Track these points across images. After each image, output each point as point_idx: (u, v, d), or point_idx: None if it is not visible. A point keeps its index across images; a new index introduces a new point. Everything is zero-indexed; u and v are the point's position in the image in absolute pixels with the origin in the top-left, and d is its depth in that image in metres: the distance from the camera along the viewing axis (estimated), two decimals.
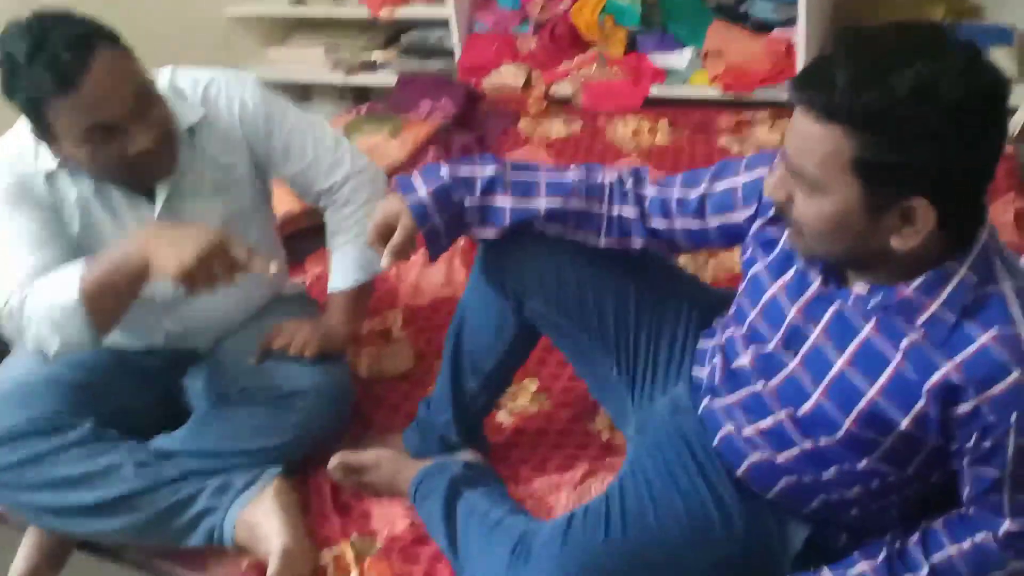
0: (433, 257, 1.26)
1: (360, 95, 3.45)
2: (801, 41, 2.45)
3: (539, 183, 1.23)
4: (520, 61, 2.83)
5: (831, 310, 1.05)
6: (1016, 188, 1.97)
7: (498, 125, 2.72)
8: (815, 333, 1.06)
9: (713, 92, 2.63)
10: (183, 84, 1.45)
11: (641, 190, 1.24)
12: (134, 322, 1.50)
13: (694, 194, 1.20)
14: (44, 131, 1.29)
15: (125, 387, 1.52)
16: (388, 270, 1.47)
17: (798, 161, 0.94)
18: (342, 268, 1.59)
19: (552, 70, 2.80)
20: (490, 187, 1.22)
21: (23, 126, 1.38)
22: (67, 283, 1.26)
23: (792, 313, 1.08)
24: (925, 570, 1.06)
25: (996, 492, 1.01)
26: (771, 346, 1.10)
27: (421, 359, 1.82)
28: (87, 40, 1.23)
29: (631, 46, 2.76)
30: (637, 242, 1.24)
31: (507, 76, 2.81)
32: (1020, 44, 2.45)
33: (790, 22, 2.62)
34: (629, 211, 1.23)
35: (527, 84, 2.80)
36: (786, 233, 1.06)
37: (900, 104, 0.86)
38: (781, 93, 2.55)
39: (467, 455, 1.47)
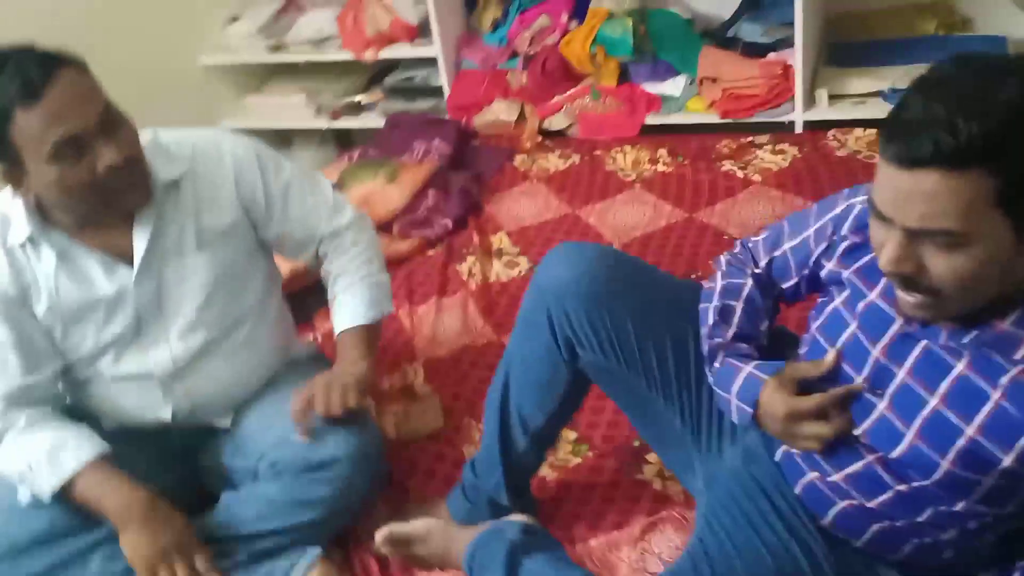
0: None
1: (342, 139, 3.40)
2: (799, 63, 2.44)
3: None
4: (512, 96, 2.79)
5: (918, 348, 1.00)
6: None
7: (494, 162, 2.67)
8: (902, 372, 1.01)
9: (711, 118, 2.61)
10: (167, 140, 1.41)
11: (759, 272, 1.24)
12: (135, 401, 1.44)
13: (779, 253, 1.21)
14: (10, 159, 1.24)
15: (145, 472, 1.42)
16: None
17: (932, 224, 0.87)
18: (351, 308, 1.53)
19: (545, 104, 2.76)
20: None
21: None
22: (45, 479, 1.30)
23: (875, 353, 1.04)
24: None
25: None
26: (857, 384, 1.05)
27: (449, 415, 1.74)
28: (53, 59, 1.23)
29: (624, 76, 2.73)
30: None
31: (499, 112, 2.76)
32: (1014, 52, 2.46)
33: (780, 44, 2.62)
34: (772, 297, 1.25)
35: (520, 119, 2.76)
36: (903, 304, 0.98)
37: (1022, 111, 0.83)
38: (780, 115, 2.54)
39: (519, 517, 1.40)
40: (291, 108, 3.19)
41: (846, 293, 1.09)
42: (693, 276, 1.99)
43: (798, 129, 2.54)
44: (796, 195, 2.23)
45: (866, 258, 1.06)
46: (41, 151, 1.21)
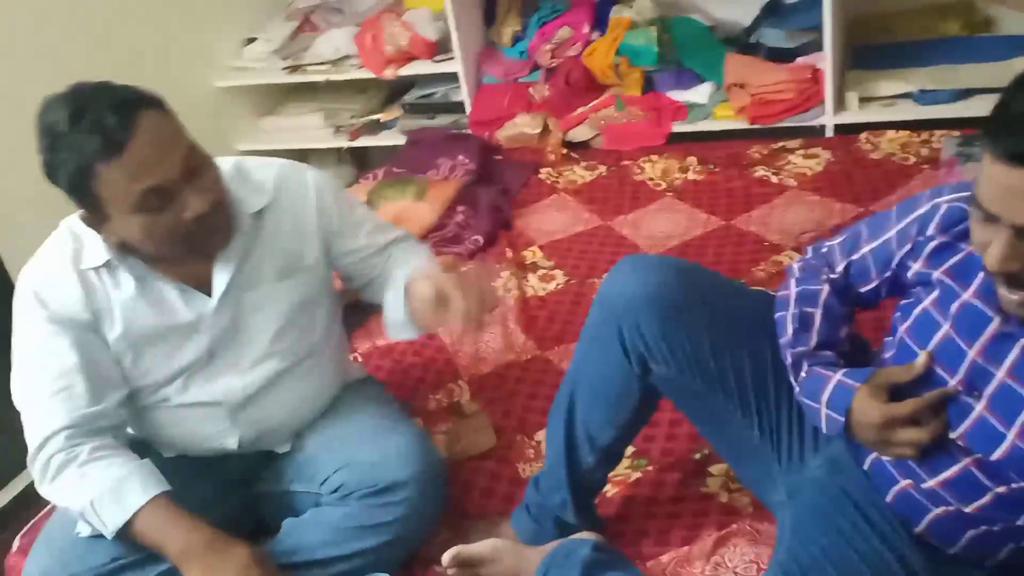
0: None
1: (359, 158, 3.38)
2: (828, 66, 2.42)
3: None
4: (534, 110, 2.77)
5: (1018, 348, 0.98)
6: None
7: (520, 176, 2.64)
8: (1000, 372, 0.99)
9: (739, 124, 2.59)
10: (249, 169, 1.39)
11: (835, 278, 1.21)
12: (201, 429, 1.41)
13: (857, 257, 1.19)
14: (93, 207, 1.21)
15: (205, 501, 1.38)
16: None
17: None
18: (417, 263, 1.46)
19: (568, 116, 2.74)
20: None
21: (59, 238, 1.32)
22: (109, 515, 1.26)
23: (972, 354, 1.01)
24: None
25: None
26: (950, 389, 1.03)
27: (500, 433, 1.71)
28: (129, 103, 1.18)
29: (648, 85, 2.71)
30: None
31: (523, 125, 2.74)
32: None
33: (804, 48, 2.61)
34: (847, 302, 1.22)
35: (544, 132, 2.74)
36: (1007, 302, 0.96)
37: None
38: (810, 120, 2.52)
39: (589, 535, 1.36)
40: (308, 128, 3.17)
41: (935, 294, 1.07)
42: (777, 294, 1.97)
43: (828, 133, 2.52)
44: (833, 198, 2.21)
45: (957, 257, 1.04)
46: (126, 203, 1.19)
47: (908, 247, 1.11)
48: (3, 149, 2.24)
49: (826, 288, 1.20)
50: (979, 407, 1.01)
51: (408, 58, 2.92)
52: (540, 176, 2.64)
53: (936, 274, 1.07)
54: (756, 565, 1.30)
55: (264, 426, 1.43)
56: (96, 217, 1.23)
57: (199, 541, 1.27)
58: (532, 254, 2.29)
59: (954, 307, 1.04)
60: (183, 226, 1.23)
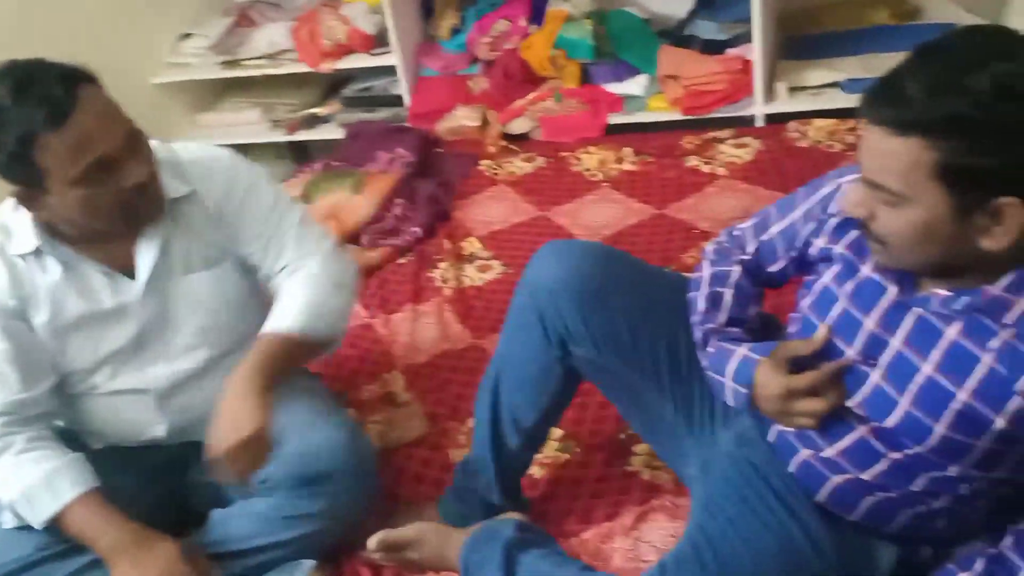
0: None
1: (299, 152, 3.36)
2: (757, 57, 2.47)
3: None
4: (473, 102, 2.79)
5: (910, 317, 1.02)
6: None
7: (459, 168, 2.66)
8: (895, 341, 1.03)
9: (673, 115, 2.63)
10: (176, 154, 1.39)
11: (746, 258, 1.24)
12: (128, 417, 1.41)
13: (766, 237, 1.22)
14: (32, 181, 1.21)
15: (134, 493, 1.38)
16: None
17: (879, 178, 0.93)
18: (290, 309, 1.37)
19: (507, 108, 2.76)
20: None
21: None
22: (41, 506, 1.27)
23: (868, 324, 1.05)
24: None
25: None
26: (848, 359, 1.07)
27: (432, 421, 1.73)
28: (71, 77, 1.19)
29: (585, 78, 2.75)
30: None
31: (462, 118, 2.76)
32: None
33: (737, 40, 2.66)
34: (758, 283, 1.26)
35: (483, 124, 2.75)
36: (871, 248, 1.03)
37: (980, 106, 0.86)
38: (741, 110, 2.58)
39: (513, 516, 1.38)
40: (246, 124, 3.14)
41: (836, 269, 1.11)
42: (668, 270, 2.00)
43: (759, 122, 2.57)
44: (762, 187, 2.26)
45: (855, 232, 1.08)
46: (69, 174, 1.19)
47: (813, 225, 1.15)
48: None
49: (737, 269, 1.24)
50: (875, 376, 1.05)
51: (346, 52, 2.91)
52: (480, 168, 2.66)
53: (837, 248, 1.11)
54: (674, 539, 1.34)
55: (192, 415, 1.43)
56: (32, 193, 1.23)
57: (128, 537, 1.28)
58: (470, 245, 2.31)
59: (852, 281, 1.08)
60: (124, 195, 1.24)
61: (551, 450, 1.59)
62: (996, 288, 0.95)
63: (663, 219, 2.25)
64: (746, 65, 2.54)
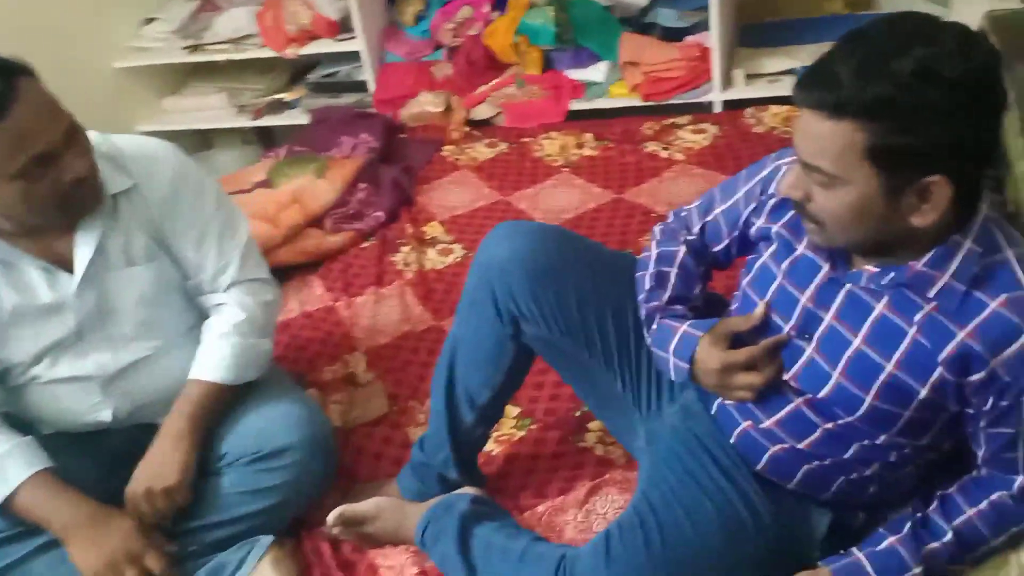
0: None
1: (265, 138, 3.36)
2: (715, 45, 2.52)
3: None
4: (437, 88, 2.81)
5: (842, 292, 1.07)
6: None
7: (423, 154, 2.68)
8: (828, 316, 1.08)
9: (633, 101, 2.67)
10: (121, 147, 1.39)
11: (692, 238, 1.28)
12: (73, 404, 1.42)
13: (711, 218, 1.26)
14: None
15: (88, 476, 1.40)
16: None
17: (813, 160, 0.97)
18: (217, 360, 1.41)
19: (470, 94, 2.79)
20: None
21: None
22: None
23: (803, 300, 1.10)
24: (949, 535, 1.09)
25: (1011, 450, 1.05)
26: (783, 335, 1.12)
27: (393, 400, 1.76)
28: (8, 71, 1.19)
29: (547, 64, 2.78)
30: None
31: (426, 104, 2.78)
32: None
33: (696, 27, 2.70)
34: (704, 263, 1.30)
35: (447, 110, 2.78)
36: (807, 228, 1.07)
37: (905, 88, 0.90)
38: (699, 96, 2.62)
39: (468, 490, 1.42)
40: (211, 109, 3.14)
41: (774, 247, 1.16)
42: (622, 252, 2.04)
43: (717, 109, 2.62)
44: (718, 171, 2.31)
45: (792, 213, 1.12)
46: (7, 168, 1.19)
47: (753, 206, 1.20)
48: None
49: (682, 249, 1.28)
50: (810, 349, 1.10)
51: (310, 37, 2.92)
52: (443, 153, 2.69)
53: (776, 228, 1.15)
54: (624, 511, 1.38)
55: (138, 399, 1.44)
56: None
57: (82, 514, 1.30)
58: (432, 229, 2.34)
59: (789, 259, 1.13)
60: (62, 189, 1.24)
61: (508, 427, 1.63)
62: (919, 264, 1.00)
63: (621, 203, 2.29)
64: (704, 52, 2.59)
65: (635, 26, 2.80)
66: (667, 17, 2.77)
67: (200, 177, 1.46)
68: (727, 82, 2.60)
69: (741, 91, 2.58)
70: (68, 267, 1.35)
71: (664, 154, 2.46)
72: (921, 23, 0.94)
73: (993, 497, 1.08)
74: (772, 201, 1.17)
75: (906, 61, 0.90)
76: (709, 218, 1.28)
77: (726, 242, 1.26)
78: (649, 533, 1.12)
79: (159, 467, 1.34)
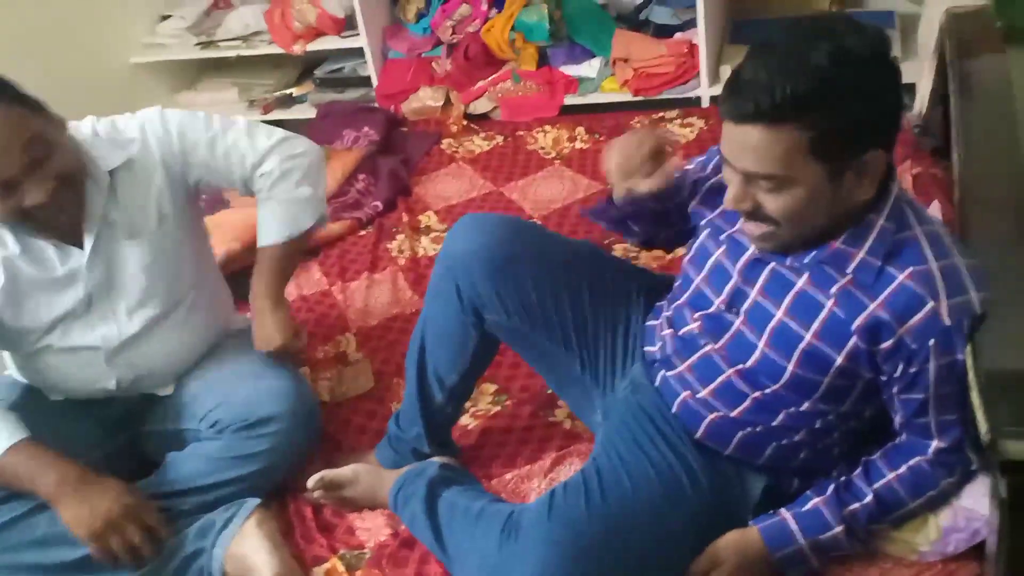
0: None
1: None
2: (702, 41, 2.60)
3: None
4: (437, 83, 2.91)
5: (766, 270, 1.16)
6: (912, 156, 2.13)
7: (422, 147, 2.78)
8: (754, 292, 1.17)
9: (624, 96, 2.76)
10: (116, 126, 1.50)
11: None
12: (81, 372, 1.53)
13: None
14: None
15: (92, 439, 1.53)
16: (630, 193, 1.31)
17: (758, 169, 1.03)
18: (265, 225, 1.59)
19: (469, 89, 2.88)
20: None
21: None
22: None
23: (734, 276, 1.19)
24: (869, 497, 1.18)
25: (923, 415, 1.13)
26: (714, 308, 1.21)
27: (379, 378, 1.86)
28: None
29: (543, 60, 2.87)
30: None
31: (426, 98, 2.88)
32: (902, 26, 2.65)
33: (688, 25, 2.78)
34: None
35: (446, 105, 2.88)
36: (750, 235, 1.14)
37: (827, 75, 0.98)
38: (688, 92, 2.70)
39: (439, 459, 1.52)
40: (223, 103, 3.26)
41: (708, 230, 1.25)
42: (606, 242, 2.13)
43: (704, 104, 2.70)
44: None
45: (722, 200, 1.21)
46: None
47: (698, 179, 1.29)
48: None
49: None
50: (737, 322, 1.19)
51: (316, 34, 3.03)
52: (442, 146, 2.78)
53: (710, 215, 1.24)
54: None
55: (140, 370, 1.56)
56: None
57: (71, 476, 1.37)
58: (427, 218, 2.44)
59: (721, 238, 1.22)
60: (23, 212, 1.34)
61: (485, 403, 1.73)
62: (837, 242, 1.09)
63: (608, 194, 2.37)
64: (692, 49, 2.66)
65: (630, 23, 2.89)
66: (661, 15, 2.85)
67: (185, 111, 1.56)
68: (715, 78, 2.68)
69: None
70: (79, 242, 1.46)
71: None
72: (814, 21, 1.05)
73: (911, 462, 1.17)
74: (708, 183, 1.26)
75: (820, 53, 0.98)
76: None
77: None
78: (591, 492, 1.21)
79: (266, 337, 1.56)
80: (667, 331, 1.29)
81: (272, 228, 1.58)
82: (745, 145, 1.02)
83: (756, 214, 1.09)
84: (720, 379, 1.21)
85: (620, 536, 1.16)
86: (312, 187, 1.61)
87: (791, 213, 1.06)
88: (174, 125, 1.52)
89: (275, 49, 3.09)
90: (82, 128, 1.46)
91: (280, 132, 1.61)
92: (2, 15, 2.67)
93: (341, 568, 1.42)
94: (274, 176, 1.56)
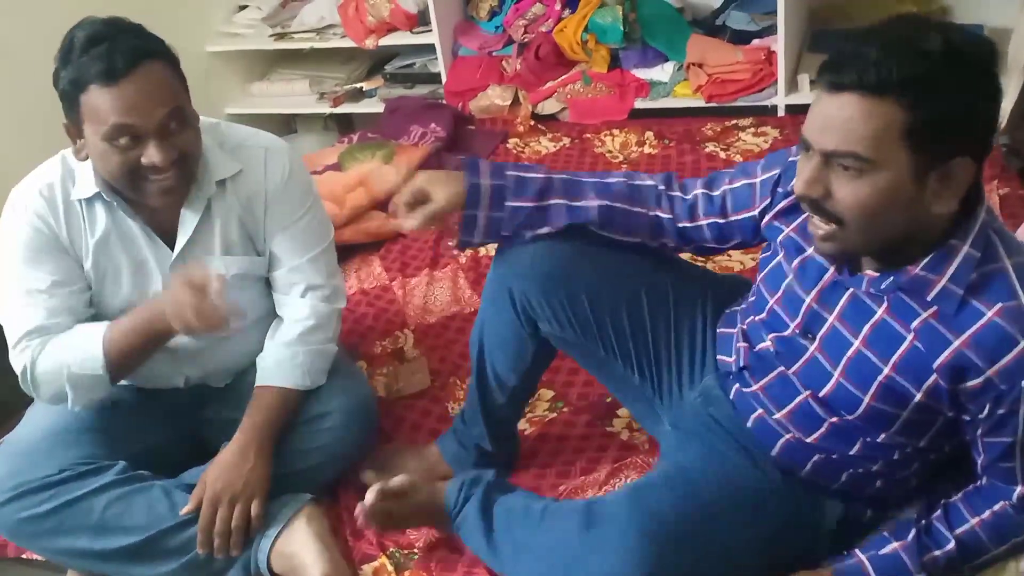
0: (461, 248, 1.32)
1: (344, 124, 3.50)
2: (781, 48, 2.53)
3: (585, 186, 1.29)
4: (506, 82, 2.89)
5: (846, 295, 1.11)
6: (999, 176, 2.04)
7: (488, 145, 2.77)
8: (831, 318, 1.12)
9: (696, 102, 2.70)
10: (233, 136, 1.50)
11: (672, 192, 1.29)
12: (154, 370, 1.53)
13: (717, 192, 1.27)
14: (73, 119, 1.34)
15: (152, 426, 1.54)
16: (408, 230, 1.38)
17: (844, 147, 0.96)
18: (272, 365, 1.52)
19: (538, 89, 2.86)
20: (545, 190, 1.28)
21: (53, 166, 1.44)
22: (90, 348, 1.38)
23: (808, 300, 1.14)
24: (952, 544, 1.11)
25: (1008, 459, 1.07)
26: (789, 332, 1.16)
27: (436, 376, 1.85)
28: (141, 50, 1.31)
29: (614, 62, 2.82)
30: (670, 243, 1.31)
31: (494, 97, 2.86)
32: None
33: (767, 31, 2.71)
34: (664, 213, 1.29)
35: (514, 104, 2.86)
36: (815, 235, 1.07)
37: (936, 62, 0.93)
38: (763, 99, 2.63)
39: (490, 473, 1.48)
40: (295, 95, 3.29)
41: (785, 248, 1.19)
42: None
43: (780, 112, 2.63)
44: None
45: (802, 217, 1.16)
46: (98, 127, 1.31)
47: (768, 200, 1.22)
48: None
49: (649, 181, 1.31)
50: (812, 348, 1.14)
51: (389, 29, 3.03)
52: (508, 146, 2.76)
53: (787, 230, 1.19)
54: None
55: (209, 369, 1.57)
56: (75, 129, 1.36)
57: (161, 300, 1.37)
58: None
59: (798, 260, 1.16)
60: (135, 168, 1.34)
61: (541, 410, 1.70)
62: (917, 268, 1.02)
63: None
64: (770, 56, 2.60)
65: (706, 28, 2.83)
66: (739, 20, 2.79)
67: (308, 180, 1.57)
68: (792, 86, 2.61)
69: (805, 96, 2.58)
70: (169, 239, 1.46)
71: (723, 155, 2.48)
72: (926, 17, 0.99)
73: (996, 507, 1.10)
74: (784, 202, 1.20)
75: (932, 43, 0.93)
76: (716, 193, 1.28)
77: (711, 220, 1.27)
78: (675, 488, 1.18)
79: (229, 482, 1.41)
80: (742, 343, 1.24)
81: (291, 373, 1.50)
82: (837, 118, 0.95)
83: (823, 206, 1.01)
84: (795, 402, 1.16)
85: (702, 537, 1.14)
86: (335, 347, 1.58)
87: (863, 207, 0.98)
88: (292, 180, 1.51)
89: (347, 43, 3.10)
90: (211, 131, 1.46)
91: (339, 276, 1.62)
92: (83, 1, 2.72)
93: (390, 567, 1.40)
94: (315, 321, 1.53)
